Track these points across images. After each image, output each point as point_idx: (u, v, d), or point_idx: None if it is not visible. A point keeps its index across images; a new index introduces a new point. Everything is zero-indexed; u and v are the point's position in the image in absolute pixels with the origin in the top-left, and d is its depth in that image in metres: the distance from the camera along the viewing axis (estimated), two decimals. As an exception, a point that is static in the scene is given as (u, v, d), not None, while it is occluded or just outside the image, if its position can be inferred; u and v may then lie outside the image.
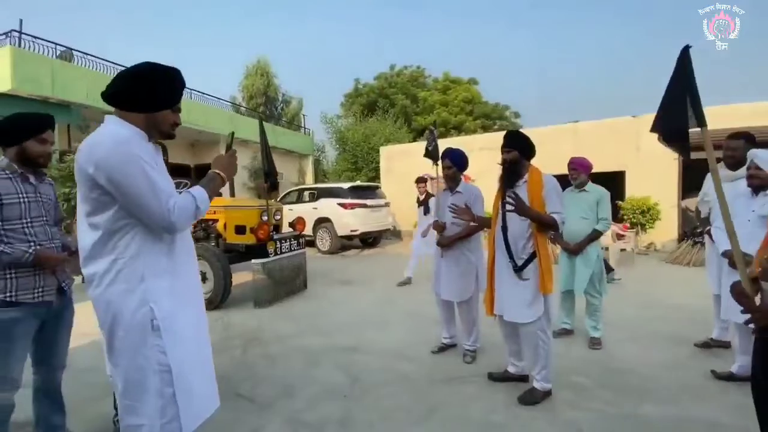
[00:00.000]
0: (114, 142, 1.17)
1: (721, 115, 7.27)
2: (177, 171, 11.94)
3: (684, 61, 1.54)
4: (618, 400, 2.36)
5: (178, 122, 1.40)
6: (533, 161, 2.51)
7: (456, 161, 3.02)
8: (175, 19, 57.02)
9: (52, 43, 7.92)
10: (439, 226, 3.03)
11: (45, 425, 1.89)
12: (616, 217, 8.31)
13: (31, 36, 7.42)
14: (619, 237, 7.11)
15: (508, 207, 2.25)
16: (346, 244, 9.56)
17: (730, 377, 2.53)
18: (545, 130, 10.08)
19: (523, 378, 2.57)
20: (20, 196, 1.68)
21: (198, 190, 1.30)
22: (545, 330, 2.32)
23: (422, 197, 5.77)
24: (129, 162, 1.16)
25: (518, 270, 2.33)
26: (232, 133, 1.70)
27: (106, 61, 9.12)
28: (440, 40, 51.08)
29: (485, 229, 2.86)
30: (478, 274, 2.95)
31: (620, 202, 8.52)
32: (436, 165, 3.22)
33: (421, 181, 5.86)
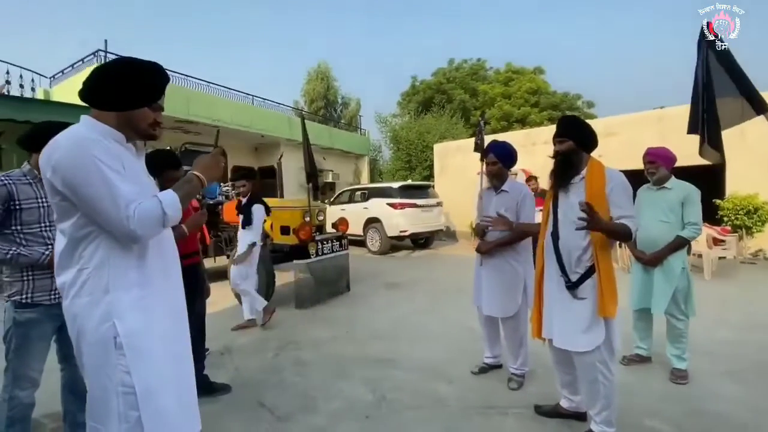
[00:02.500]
0: (71, 143, 1.08)
1: None
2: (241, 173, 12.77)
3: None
4: (708, 459, 1.83)
5: (159, 120, 1.28)
6: (601, 155, 2.05)
7: (502, 156, 2.63)
8: (244, 32, 61.90)
9: (131, 59, 8.83)
10: (480, 230, 2.66)
11: (71, 420, 1.94)
12: (714, 218, 7.04)
13: (114, 54, 8.33)
14: (717, 242, 5.95)
15: (579, 224, 1.74)
16: (396, 244, 9.37)
17: None
18: (623, 118, 8.92)
19: (579, 416, 2.13)
20: (39, 201, 1.72)
21: (167, 195, 1.15)
22: (607, 362, 1.87)
23: (243, 200, 3.87)
24: (84, 165, 1.05)
25: (572, 287, 1.91)
26: (218, 130, 1.57)
27: (175, 72, 9.96)
28: (503, 30, 48.55)
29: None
30: (526, 287, 2.54)
31: (719, 201, 7.19)
32: (482, 161, 2.87)
33: (243, 176, 3.87)
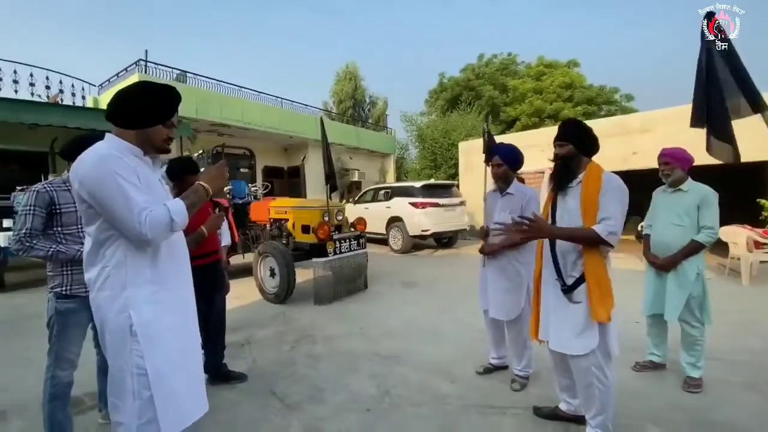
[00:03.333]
0: (94, 159, 1.25)
1: None
2: (271, 172, 13.27)
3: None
4: (707, 469, 1.80)
5: (172, 136, 1.45)
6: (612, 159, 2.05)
7: (507, 158, 2.66)
8: (277, 37, 63.57)
9: (170, 67, 9.49)
10: (484, 231, 2.70)
11: (106, 399, 2.18)
12: (758, 219, 6.58)
13: (154, 63, 8.98)
14: (758, 245, 5.57)
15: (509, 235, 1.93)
16: (419, 243, 9.41)
17: None
18: (661, 113, 8.46)
19: (578, 419, 2.13)
20: (76, 205, 1.95)
21: (174, 203, 1.32)
22: (602, 367, 1.87)
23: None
24: (104, 179, 1.22)
25: (567, 291, 1.93)
26: (223, 144, 1.73)
27: (209, 78, 10.53)
28: (535, 22, 46.88)
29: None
30: (529, 289, 2.56)
31: (763, 201, 6.71)
32: (486, 163, 2.90)
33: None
